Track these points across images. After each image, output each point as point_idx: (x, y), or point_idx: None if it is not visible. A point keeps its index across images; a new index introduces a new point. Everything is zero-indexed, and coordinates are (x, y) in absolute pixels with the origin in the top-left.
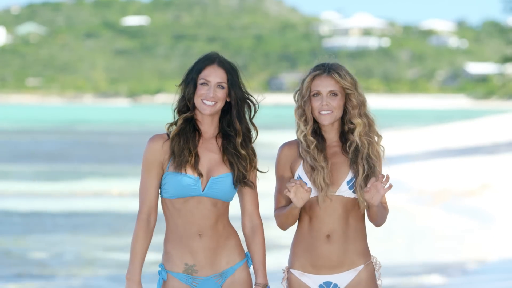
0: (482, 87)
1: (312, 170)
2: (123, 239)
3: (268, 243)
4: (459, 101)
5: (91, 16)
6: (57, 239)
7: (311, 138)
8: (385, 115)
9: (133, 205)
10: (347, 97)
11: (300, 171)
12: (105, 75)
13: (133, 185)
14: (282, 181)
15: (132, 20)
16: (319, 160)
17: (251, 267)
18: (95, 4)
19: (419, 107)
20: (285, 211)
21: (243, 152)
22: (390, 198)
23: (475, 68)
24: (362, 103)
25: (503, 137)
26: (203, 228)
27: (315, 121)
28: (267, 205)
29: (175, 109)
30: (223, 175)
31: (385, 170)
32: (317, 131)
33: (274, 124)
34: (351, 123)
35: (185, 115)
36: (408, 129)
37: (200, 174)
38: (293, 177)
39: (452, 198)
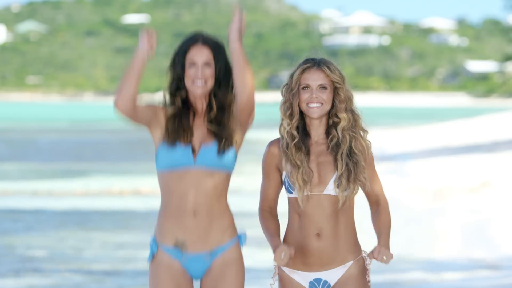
0: (483, 85)
1: (292, 168)
2: (124, 237)
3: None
4: (459, 99)
5: (91, 14)
6: (58, 237)
7: (294, 132)
8: (385, 113)
9: (134, 204)
10: (335, 91)
11: (288, 170)
12: (106, 73)
13: (133, 183)
14: (268, 179)
15: (132, 18)
16: (296, 158)
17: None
18: (95, 2)
19: (419, 105)
20: (267, 235)
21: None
22: (391, 196)
23: (475, 66)
24: (349, 98)
25: (503, 135)
26: (199, 205)
27: (301, 117)
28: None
29: (166, 93)
30: (211, 143)
31: (379, 167)
32: (299, 127)
33: (274, 122)
34: (337, 117)
35: (180, 94)
36: (408, 127)
37: (193, 148)
38: (280, 176)
39: (452, 196)
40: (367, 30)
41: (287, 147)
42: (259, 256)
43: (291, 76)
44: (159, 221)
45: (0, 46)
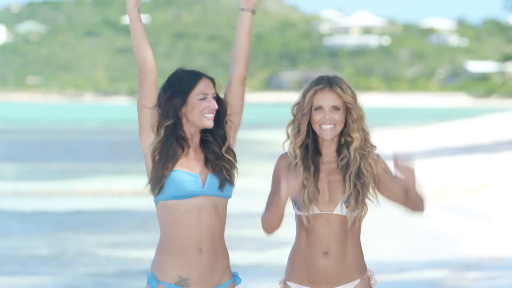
0: (483, 85)
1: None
2: (124, 237)
3: (272, 240)
4: (459, 100)
5: (91, 15)
6: (58, 238)
7: (298, 152)
8: (385, 114)
9: (134, 204)
10: (347, 111)
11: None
12: (106, 73)
13: (133, 183)
14: (276, 192)
15: None
16: (304, 178)
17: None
18: (95, 3)
19: (419, 106)
20: (271, 209)
21: (226, 156)
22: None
23: (475, 66)
24: (361, 117)
25: (503, 135)
26: (204, 241)
27: (308, 136)
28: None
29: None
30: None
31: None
32: (308, 146)
33: (275, 123)
34: (350, 136)
35: (167, 124)
36: (409, 128)
37: (198, 173)
38: None
39: (452, 196)
40: (367, 31)
41: (294, 166)
42: (269, 256)
43: (303, 96)
44: (159, 257)
45: (0, 46)
